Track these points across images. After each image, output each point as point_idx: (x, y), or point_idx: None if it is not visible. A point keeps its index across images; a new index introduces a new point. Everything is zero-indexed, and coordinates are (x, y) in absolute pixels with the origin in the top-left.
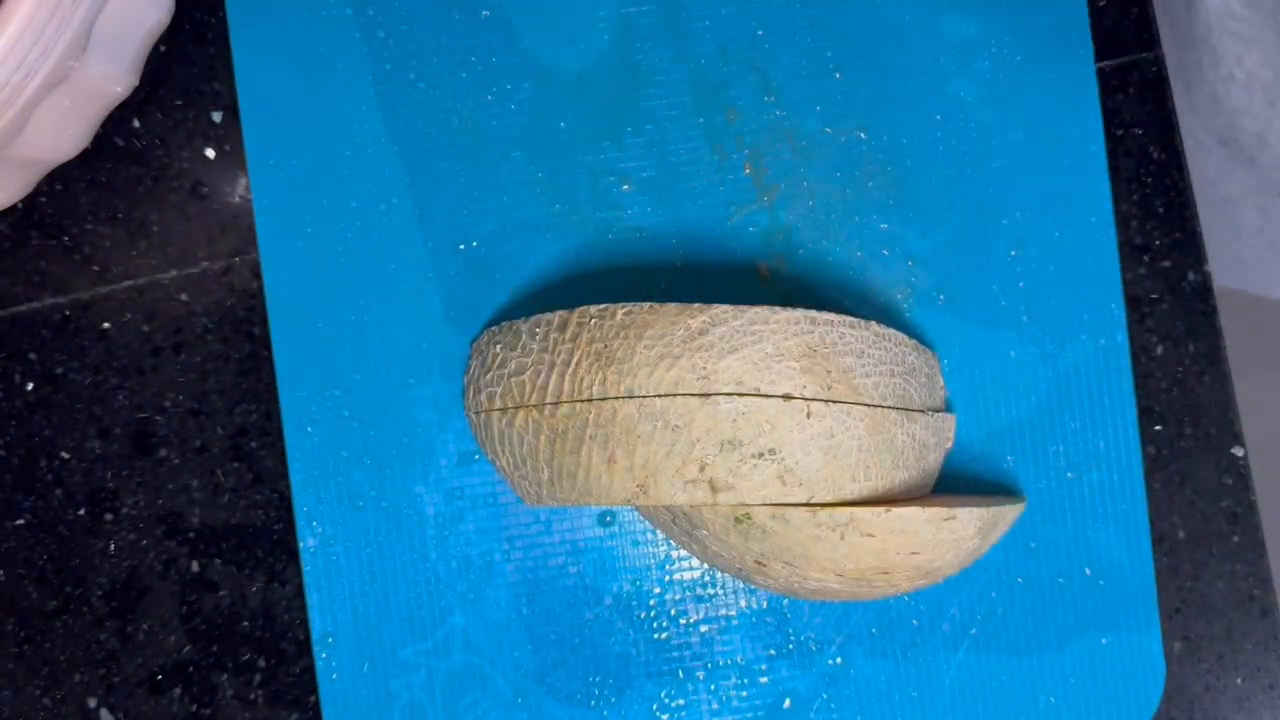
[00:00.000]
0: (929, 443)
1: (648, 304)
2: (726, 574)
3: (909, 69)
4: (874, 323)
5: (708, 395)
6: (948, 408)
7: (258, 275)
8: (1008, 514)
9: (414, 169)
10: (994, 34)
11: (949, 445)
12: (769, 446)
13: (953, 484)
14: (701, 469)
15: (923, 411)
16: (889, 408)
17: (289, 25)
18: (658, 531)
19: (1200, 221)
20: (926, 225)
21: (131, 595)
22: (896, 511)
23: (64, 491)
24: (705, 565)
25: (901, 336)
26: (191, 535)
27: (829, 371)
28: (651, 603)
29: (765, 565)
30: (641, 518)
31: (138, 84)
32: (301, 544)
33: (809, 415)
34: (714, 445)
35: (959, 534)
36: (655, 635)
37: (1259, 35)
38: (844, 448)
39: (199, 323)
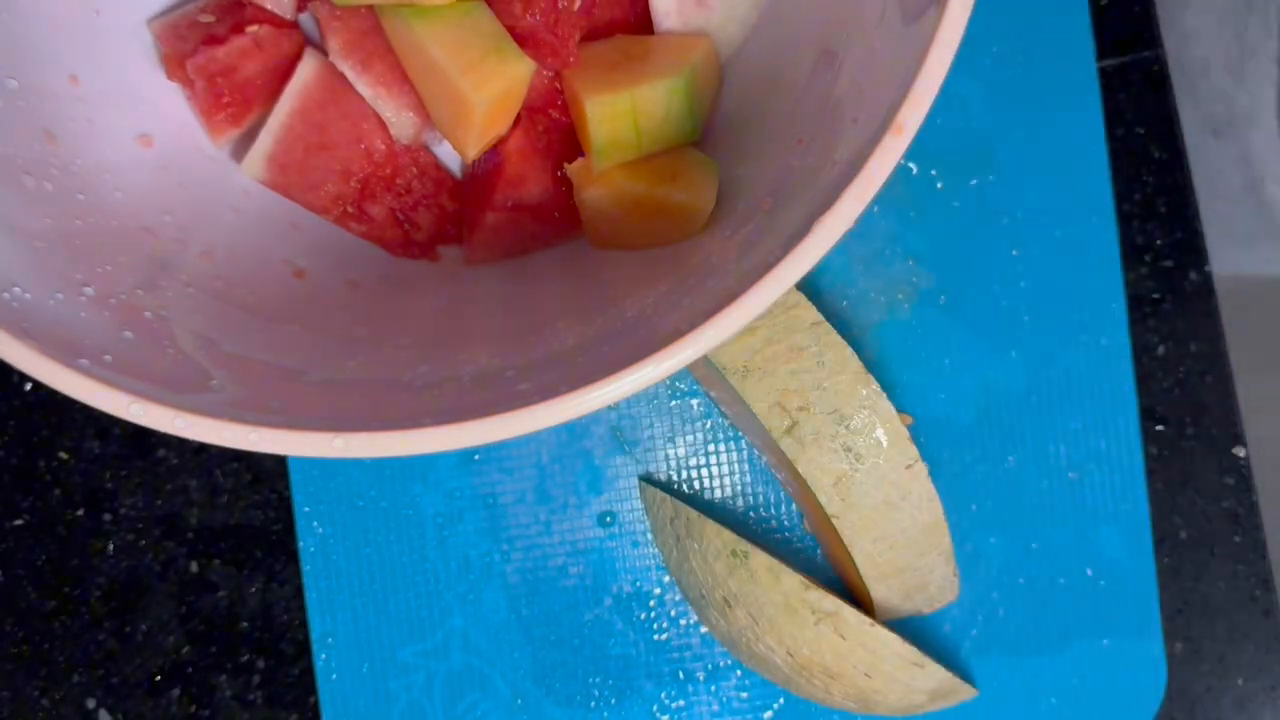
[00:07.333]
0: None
1: None
2: (682, 592)
3: None
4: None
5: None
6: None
7: None
8: (961, 693)
9: None
10: (995, 33)
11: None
12: (858, 453)
13: (954, 488)
14: (802, 409)
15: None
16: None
17: None
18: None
19: (1202, 221)
20: (927, 225)
21: (130, 596)
22: (879, 630)
23: (62, 492)
24: None
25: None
26: (190, 535)
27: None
28: (651, 604)
29: (731, 608)
30: (642, 518)
31: None
32: (301, 544)
33: (909, 467)
34: (830, 406)
35: (915, 684)
36: (655, 636)
37: None
38: (901, 522)
39: None
